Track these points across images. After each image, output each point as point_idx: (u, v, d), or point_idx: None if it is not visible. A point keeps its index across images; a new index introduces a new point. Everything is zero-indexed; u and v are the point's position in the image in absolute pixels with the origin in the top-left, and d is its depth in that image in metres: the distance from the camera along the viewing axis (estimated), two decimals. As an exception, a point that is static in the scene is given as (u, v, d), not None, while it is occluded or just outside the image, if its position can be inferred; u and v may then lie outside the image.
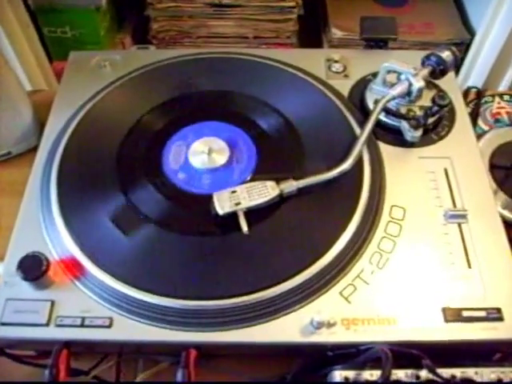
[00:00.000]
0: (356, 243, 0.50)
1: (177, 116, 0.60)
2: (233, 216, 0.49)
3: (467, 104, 0.76)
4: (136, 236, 0.51)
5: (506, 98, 0.79)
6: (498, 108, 0.77)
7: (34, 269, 0.47)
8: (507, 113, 0.77)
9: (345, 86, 0.63)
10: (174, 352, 0.47)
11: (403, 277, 0.49)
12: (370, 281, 0.49)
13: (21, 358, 0.49)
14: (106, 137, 0.58)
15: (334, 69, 0.65)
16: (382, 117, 0.58)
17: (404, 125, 0.57)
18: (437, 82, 0.60)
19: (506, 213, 0.61)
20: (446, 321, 0.47)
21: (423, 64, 0.58)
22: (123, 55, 0.68)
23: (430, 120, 0.57)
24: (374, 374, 0.44)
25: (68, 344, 0.46)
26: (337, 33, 1.00)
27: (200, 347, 0.46)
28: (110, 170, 0.55)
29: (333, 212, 0.52)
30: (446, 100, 0.56)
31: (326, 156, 0.55)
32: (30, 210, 0.53)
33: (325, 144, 0.57)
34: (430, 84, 0.58)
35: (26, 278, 0.47)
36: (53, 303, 0.47)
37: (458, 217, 0.52)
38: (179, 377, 0.44)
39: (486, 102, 0.78)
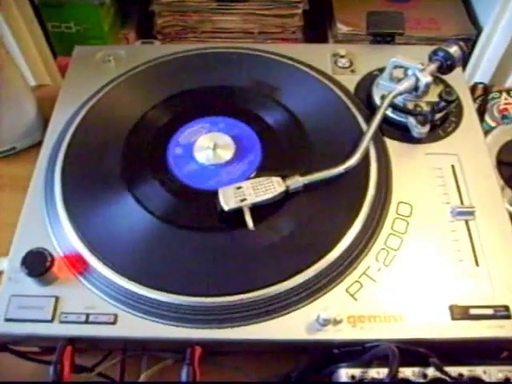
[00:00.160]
0: (362, 240, 0.49)
1: (182, 111, 0.60)
2: (238, 212, 0.49)
3: (474, 100, 0.76)
4: (141, 232, 0.50)
5: (513, 93, 0.79)
6: (506, 104, 0.77)
7: (38, 265, 0.47)
8: (514, 109, 0.76)
9: (351, 82, 0.63)
10: (178, 349, 0.47)
11: (410, 274, 0.49)
12: (377, 278, 0.48)
13: (25, 354, 0.49)
14: (111, 132, 0.58)
15: (340, 64, 0.65)
16: (389, 112, 0.58)
17: (411, 120, 0.56)
18: (444, 77, 0.59)
19: (514, 209, 0.60)
20: (453, 318, 0.46)
21: (430, 59, 0.57)
22: (128, 50, 0.67)
23: (437, 116, 0.57)
24: (381, 372, 0.43)
25: (72, 340, 0.46)
26: (342, 28, 1.00)
27: (205, 344, 0.46)
28: (115, 166, 0.55)
29: (339, 208, 0.51)
30: (454, 96, 0.56)
31: (332, 152, 0.55)
32: (34, 205, 0.53)
33: (331, 140, 0.56)
34: (437, 79, 0.58)
35: (30, 274, 0.46)
36: (57, 299, 0.47)
37: (465, 214, 0.52)
38: (184, 374, 0.44)
39: (492, 98, 0.77)
